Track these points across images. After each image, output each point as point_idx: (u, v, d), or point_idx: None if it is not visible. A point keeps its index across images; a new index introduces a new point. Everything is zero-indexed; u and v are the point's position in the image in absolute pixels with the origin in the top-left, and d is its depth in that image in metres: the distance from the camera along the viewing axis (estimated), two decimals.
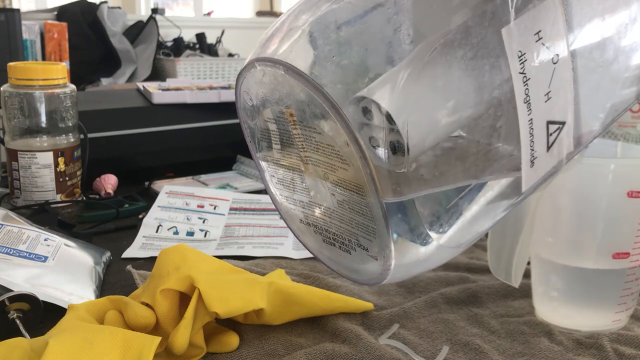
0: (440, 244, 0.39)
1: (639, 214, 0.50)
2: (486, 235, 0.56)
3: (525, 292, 0.59)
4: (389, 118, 0.34)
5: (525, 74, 0.36)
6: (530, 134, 0.37)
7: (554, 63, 0.37)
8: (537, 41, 0.36)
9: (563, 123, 0.39)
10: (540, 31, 0.36)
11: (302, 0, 0.39)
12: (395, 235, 0.37)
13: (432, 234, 0.38)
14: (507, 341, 0.53)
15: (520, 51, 0.36)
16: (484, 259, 0.68)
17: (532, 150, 0.38)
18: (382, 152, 0.35)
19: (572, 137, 0.40)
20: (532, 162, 0.38)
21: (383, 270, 0.38)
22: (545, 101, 0.37)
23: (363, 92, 0.35)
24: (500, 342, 0.52)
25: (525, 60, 0.36)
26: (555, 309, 0.55)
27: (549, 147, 0.39)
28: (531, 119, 0.37)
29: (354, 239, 0.40)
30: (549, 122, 0.38)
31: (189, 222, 0.78)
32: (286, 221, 0.46)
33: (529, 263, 0.55)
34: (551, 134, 0.38)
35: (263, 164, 0.45)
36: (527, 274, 0.55)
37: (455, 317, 0.56)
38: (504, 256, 0.54)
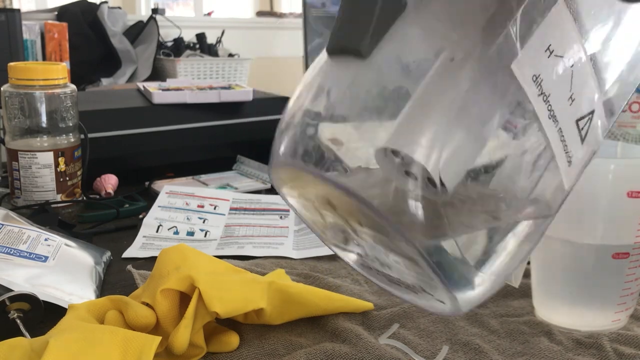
0: (493, 279, 0.38)
1: (639, 214, 0.50)
2: None
3: (525, 292, 0.59)
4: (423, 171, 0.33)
5: (544, 93, 0.35)
6: (562, 141, 0.36)
7: (571, 67, 0.36)
8: (549, 57, 0.35)
9: (592, 112, 0.38)
10: (550, 45, 0.35)
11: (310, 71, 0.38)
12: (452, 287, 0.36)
13: (481, 274, 0.37)
14: (507, 341, 0.53)
15: (534, 75, 0.35)
16: None
17: (567, 152, 0.37)
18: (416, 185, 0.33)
19: (603, 114, 0.38)
20: (570, 162, 0.37)
21: (454, 310, 0.38)
22: (570, 104, 0.36)
23: (388, 144, 0.33)
24: (500, 342, 0.52)
25: (542, 80, 0.35)
26: (555, 309, 0.55)
27: (583, 140, 0.38)
28: (560, 129, 0.36)
29: (418, 286, 0.39)
30: (578, 120, 0.37)
31: (189, 222, 0.79)
32: (344, 259, 0.44)
33: (529, 263, 0.55)
34: (582, 128, 0.37)
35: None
36: (527, 274, 0.55)
37: (455, 316, 0.56)
38: None
